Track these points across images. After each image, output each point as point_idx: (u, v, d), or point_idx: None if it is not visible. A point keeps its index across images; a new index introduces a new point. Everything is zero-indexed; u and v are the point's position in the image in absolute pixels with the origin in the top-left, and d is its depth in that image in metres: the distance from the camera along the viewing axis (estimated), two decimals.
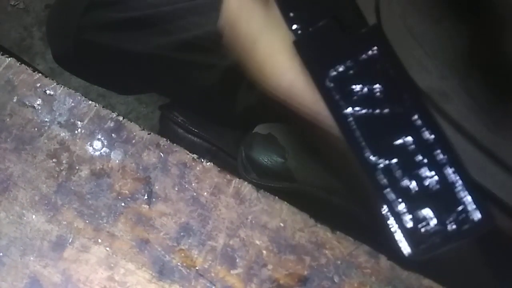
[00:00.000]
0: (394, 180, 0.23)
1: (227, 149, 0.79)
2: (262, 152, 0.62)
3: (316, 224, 0.38)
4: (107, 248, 0.38)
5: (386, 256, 0.37)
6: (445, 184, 0.23)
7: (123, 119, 0.40)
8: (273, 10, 0.34)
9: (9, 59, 0.42)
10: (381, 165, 0.24)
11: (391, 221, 0.23)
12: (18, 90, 0.41)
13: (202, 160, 0.39)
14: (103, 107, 0.40)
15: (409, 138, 0.24)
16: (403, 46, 0.44)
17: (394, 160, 0.24)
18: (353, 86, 0.25)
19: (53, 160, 0.39)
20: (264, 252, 0.37)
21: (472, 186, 0.23)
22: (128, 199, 0.39)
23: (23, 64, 0.42)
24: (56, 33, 0.71)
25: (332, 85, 0.25)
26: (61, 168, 0.39)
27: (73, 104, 0.40)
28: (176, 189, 0.39)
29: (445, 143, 0.24)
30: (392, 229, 0.23)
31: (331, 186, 0.57)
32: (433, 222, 0.22)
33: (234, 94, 0.77)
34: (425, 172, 0.23)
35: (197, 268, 0.37)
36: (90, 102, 0.40)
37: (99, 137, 0.40)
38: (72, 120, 0.40)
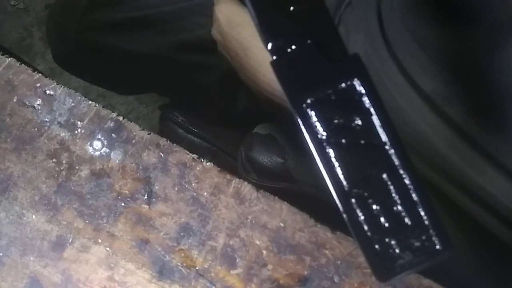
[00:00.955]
0: (364, 208, 0.25)
1: (227, 149, 0.79)
2: (262, 152, 0.62)
3: (316, 224, 0.38)
4: (107, 248, 0.38)
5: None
6: (413, 217, 0.25)
7: (123, 119, 0.40)
8: None
9: (9, 59, 0.41)
10: (353, 193, 0.25)
11: (361, 245, 0.25)
12: (18, 90, 0.41)
13: (202, 160, 0.39)
14: (103, 107, 0.40)
15: (383, 173, 0.25)
16: (406, 50, 0.44)
17: (365, 190, 0.25)
18: (330, 115, 0.25)
19: (53, 160, 0.39)
20: (264, 252, 0.37)
21: (436, 219, 0.25)
22: (128, 199, 0.39)
23: (23, 64, 0.42)
24: (56, 33, 0.71)
25: (308, 110, 0.25)
26: (61, 168, 0.39)
27: (73, 104, 0.40)
28: (176, 189, 0.39)
29: (417, 181, 0.25)
30: (364, 253, 0.25)
31: None
32: (399, 249, 0.24)
33: (234, 94, 0.77)
34: (395, 205, 0.25)
35: (197, 268, 0.37)
36: (90, 102, 0.40)
37: (99, 137, 0.40)
38: (72, 120, 0.40)
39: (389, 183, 0.25)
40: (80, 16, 0.66)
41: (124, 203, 0.38)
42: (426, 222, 0.24)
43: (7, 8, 1.26)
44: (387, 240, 0.24)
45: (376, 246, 0.24)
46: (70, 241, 0.38)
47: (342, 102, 0.25)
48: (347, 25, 0.53)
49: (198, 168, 0.39)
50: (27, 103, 0.41)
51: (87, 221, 0.38)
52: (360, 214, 0.25)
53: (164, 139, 0.40)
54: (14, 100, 0.41)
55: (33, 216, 0.38)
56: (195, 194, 0.39)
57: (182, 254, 0.37)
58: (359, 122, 0.25)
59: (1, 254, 0.38)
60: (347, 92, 0.25)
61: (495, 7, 0.36)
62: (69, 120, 0.40)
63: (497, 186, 0.40)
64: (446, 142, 0.42)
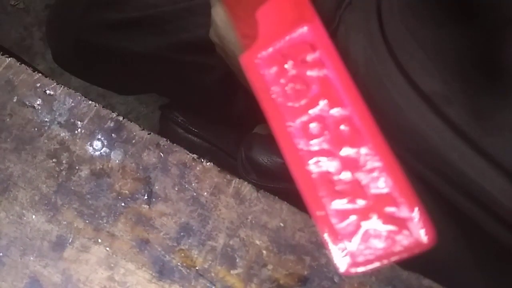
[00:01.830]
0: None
1: (227, 149, 0.79)
2: (262, 153, 0.62)
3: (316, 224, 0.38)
4: (107, 248, 0.38)
5: None
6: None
7: (123, 119, 0.40)
8: None
9: (9, 59, 0.41)
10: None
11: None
12: (18, 90, 0.41)
13: (202, 160, 0.39)
14: (103, 107, 0.40)
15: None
16: (406, 50, 0.44)
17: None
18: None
19: (53, 160, 0.39)
20: (264, 252, 0.37)
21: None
22: (128, 199, 0.39)
23: (23, 64, 0.42)
24: (56, 33, 0.71)
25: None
26: (61, 168, 0.39)
27: (73, 104, 0.40)
28: (176, 189, 0.39)
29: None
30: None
31: None
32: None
33: (234, 94, 0.77)
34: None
35: (197, 268, 0.37)
36: (90, 102, 0.40)
37: (99, 137, 0.40)
38: (72, 120, 0.40)
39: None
40: (80, 16, 0.66)
41: (124, 203, 0.38)
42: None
43: (7, 8, 1.26)
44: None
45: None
46: (70, 241, 0.38)
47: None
48: (347, 25, 0.53)
49: (198, 168, 0.39)
50: (27, 103, 0.41)
51: (87, 221, 0.38)
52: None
53: (164, 139, 0.40)
54: (14, 100, 0.41)
55: (33, 216, 0.38)
56: (195, 194, 0.39)
57: (182, 254, 0.37)
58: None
59: (1, 254, 0.38)
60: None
61: (495, 7, 0.36)
62: (69, 120, 0.40)
63: (496, 187, 0.40)
64: (445, 142, 0.42)
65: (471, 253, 0.46)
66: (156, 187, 0.39)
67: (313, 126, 0.21)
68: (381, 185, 0.20)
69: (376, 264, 0.19)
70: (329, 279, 0.37)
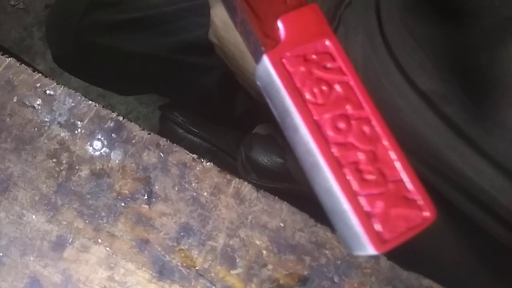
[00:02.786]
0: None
1: (227, 149, 0.79)
2: (262, 153, 0.62)
3: (316, 224, 0.38)
4: (107, 248, 0.38)
5: (386, 256, 0.37)
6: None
7: (123, 119, 0.40)
8: None
9: (9, 59, 0.42)
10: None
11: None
12: (18, 90, 0.41)
13: (202, 160, 0.39)
14: (103, 107, 0.40)
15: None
16: (405, 49, 0.44)
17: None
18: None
19: (53, 160, 0.39)
20: (264, 252, 0.37)
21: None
22: (128, 199, 0.39)
23: (23, 64, 0.42)
24: (56, 33, 0.71)
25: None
26: (61, 168, 0.39)
27: (73, 104, 0.40)
28: (176, 189, 0.39)
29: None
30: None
31: None
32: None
33: (234, 94, 0.77)
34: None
35: (197, 268, 0.37)
36: (90, 102, 0.40)
37: (99, 137, 0.40)
38: (72, 120, 0.40)
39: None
40: (80, 16, 0.66)
41: (124, 203, 0.38)
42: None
43: (7, 8, 1.26)
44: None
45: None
46: (70, 241, 0.38)
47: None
48: (346, 25, 0.53)
49: (198, 168, 0.39)
50: (27, 103, 0.41)
51: (87, 221, 0.38)
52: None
53: (164, 139, 0.40)
54: (14, 100, 0.41)
55: (33, 216, 0.38)
56: (195, 194, 0.39)
57: (182, 254, 0.37)
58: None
59: (1, 254, 0.38)
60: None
61: (494, 7, 0.36)
62: (69, 120, 0.40)
63: (495, 186, 0.40)
64: (444, 142, 0.42)
65: (471, 252, 0.46)
66: (156, 187, 0.39)
67: (339, 122, 0.24)
68: (396, 174, 0.24)
69: (400, 240, 0.23)
70: (329, 279, 0.37)
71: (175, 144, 0.40)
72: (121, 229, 0.38)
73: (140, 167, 0.39)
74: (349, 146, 0.24)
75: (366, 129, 0.24)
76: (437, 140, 0.42)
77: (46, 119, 0.40)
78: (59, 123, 0.40)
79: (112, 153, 0.40)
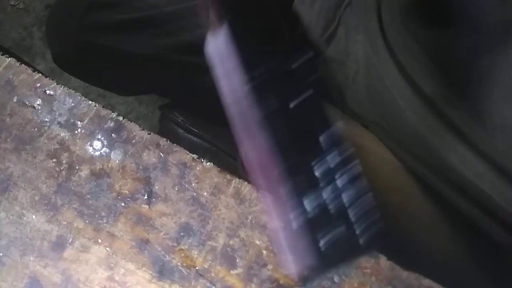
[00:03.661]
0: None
1: (227, 149, 0.79)
2: None
3: None
4: (107, 248, 0.38)
5: (386, 256, 0.37)
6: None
7: (123, 119, 0.40)
8: None
9: (9, 59, 0.42)
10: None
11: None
12: (18, 90, 0.41)
13: (202, 160, 0.39)
14: (103, 107, 0.40)
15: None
16: (406, 51, 0.44)
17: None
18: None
19: (53, 160, 0.39)
20: (264, 252, 0.37)
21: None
22: (128, 199, 0.39)
23: (23, 64, 0.42)
24: (55, 34, 0.71)
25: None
26: (61, 168, 0.39)
27: (73, 104, 0.40)
28: (176, 189, 0.39)
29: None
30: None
31: None
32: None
33: None
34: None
35: (197, 268, 0.37)
36: (90, 102, 0.41)
37: (99, 137, 0.40)
38: (72, 120, 0.40)
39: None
40: (80, 17, 0.66)
41: (124, 203, 0.38)
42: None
43: (7, 8, 1.26)
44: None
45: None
46: (70, 241, 0.38)
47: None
48: (346, 25, 0.53)
49: (198, 168, 0.39)
50: (27, 103, 0.41)
51: (87, 221, 0.38)
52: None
53: (164, 139, 0.40)
54: (14, 100, 0.41)
55: (33, 216, 0.38)
56: (195, 194, 0.39)
57: (182, 254, 0.37)
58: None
59: (1, 254, 0.38)
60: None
61: (495, 10, 0.36)
62: (69, 120, 0.40)
63: (496, 189, 0.40)
64: (445, 144, 0.42)
65: (470, 253, 0.46)
66: (156, 187, 0.39)
67: None
68: None
69: None
70: (329, 279, 0.37)
71: (175, 144, 0.40)
72: (121, 229, 0.38)
73: (140, 167, 0.39)
74: None
75: None
76: (438, 142, 0.42)
77: (46, 119, 0.40)
78: (59, 123, 0.40)
79: (112, 153, 0.40)
